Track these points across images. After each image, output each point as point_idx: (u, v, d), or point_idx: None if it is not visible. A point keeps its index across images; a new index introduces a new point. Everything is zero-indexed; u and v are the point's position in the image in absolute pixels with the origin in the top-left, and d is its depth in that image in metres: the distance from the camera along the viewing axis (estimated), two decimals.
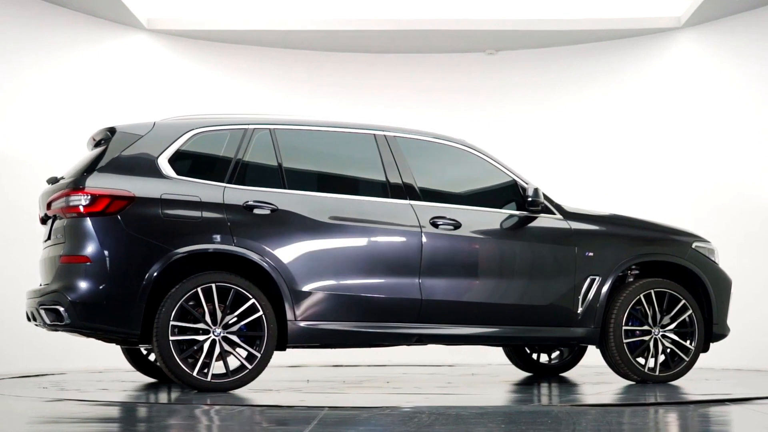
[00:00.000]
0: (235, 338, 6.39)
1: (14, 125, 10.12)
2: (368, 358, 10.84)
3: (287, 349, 6.68)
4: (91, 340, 6.98)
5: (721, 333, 7.58)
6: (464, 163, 7.35)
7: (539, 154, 11.78)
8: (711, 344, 7.57)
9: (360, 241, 6.75)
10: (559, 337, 7.25)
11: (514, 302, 7.05)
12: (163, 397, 6.40)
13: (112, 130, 6.73)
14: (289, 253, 6.55)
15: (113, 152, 6.53)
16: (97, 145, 6.82)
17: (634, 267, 7.50)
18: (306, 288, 6.57)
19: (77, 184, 6.38)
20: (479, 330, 7.00)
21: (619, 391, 6.88)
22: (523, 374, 8.77)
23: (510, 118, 12.07)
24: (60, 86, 10.58)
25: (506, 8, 11.55)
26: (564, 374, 8.70)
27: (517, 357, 8.79)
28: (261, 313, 6.42)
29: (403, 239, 6.83)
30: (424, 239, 6.85)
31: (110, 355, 8.54)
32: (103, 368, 9.78)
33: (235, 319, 6.41)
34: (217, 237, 6.42)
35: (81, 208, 6.29)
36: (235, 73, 11.90)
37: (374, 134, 7.12)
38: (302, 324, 6.55)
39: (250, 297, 6.42)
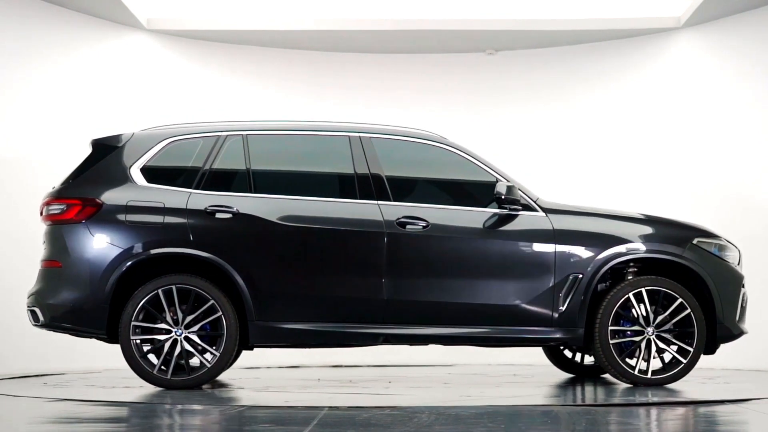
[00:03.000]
0: (195, 338, 6.70)
1: (14, 125, 10.11)
2: (370, 359, 10.83)
3: (254, 349, 7.00)
4: (93, 339, 7.05)
5: (729, 334, 7.18)
6: (444, 162, 7.27)
7: (539, 154, 11.78)
8: (720, 345, 7.18)
9: (321, 242, 6.85)
10: (536, 338, 6.97)
11: (485, 301, 6.91)
12: (164, 397, 6.40)
13: (94, 142, 7.18)
14: (248, 254, 6.78)
15: (93, 163, 7.02)
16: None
17: (632, 264, 7.16)
18: (266, 288, 6.77)
19: (57, 193, 6.90)
20: (448, 330, 6.89)
21: (623, 392, 6.85)
22: (563, 375, 8.44)
23: (510, 118, 12.06)
24: (60, 86, 10.57)
25: (506, 8, 11.55)
26: (605, 375, 8.24)
27: (554, 357, 8.53)
28: (220, 313, 6.69)
29: (366, 239, 6.86)
30: (388, 239, 6.84)
31: (111, 355, 8.53)
32: (104, 368, 9.77)
33: (198, 319, 6.72)
34: (178, 241, 6.74)
35: (56, 216, 6.81)
36: (235, 73, 11.89)
37: (348, 136, 7.16)
38: (264, 324, 6.76)
39: (210, 298, 6.69)
